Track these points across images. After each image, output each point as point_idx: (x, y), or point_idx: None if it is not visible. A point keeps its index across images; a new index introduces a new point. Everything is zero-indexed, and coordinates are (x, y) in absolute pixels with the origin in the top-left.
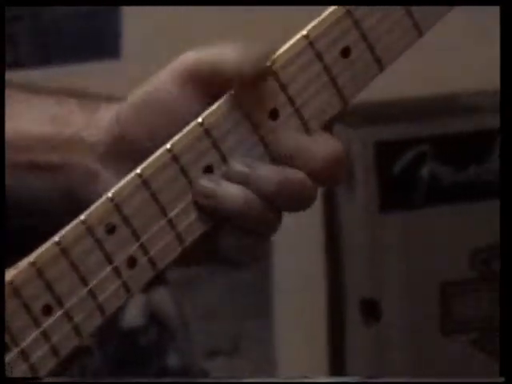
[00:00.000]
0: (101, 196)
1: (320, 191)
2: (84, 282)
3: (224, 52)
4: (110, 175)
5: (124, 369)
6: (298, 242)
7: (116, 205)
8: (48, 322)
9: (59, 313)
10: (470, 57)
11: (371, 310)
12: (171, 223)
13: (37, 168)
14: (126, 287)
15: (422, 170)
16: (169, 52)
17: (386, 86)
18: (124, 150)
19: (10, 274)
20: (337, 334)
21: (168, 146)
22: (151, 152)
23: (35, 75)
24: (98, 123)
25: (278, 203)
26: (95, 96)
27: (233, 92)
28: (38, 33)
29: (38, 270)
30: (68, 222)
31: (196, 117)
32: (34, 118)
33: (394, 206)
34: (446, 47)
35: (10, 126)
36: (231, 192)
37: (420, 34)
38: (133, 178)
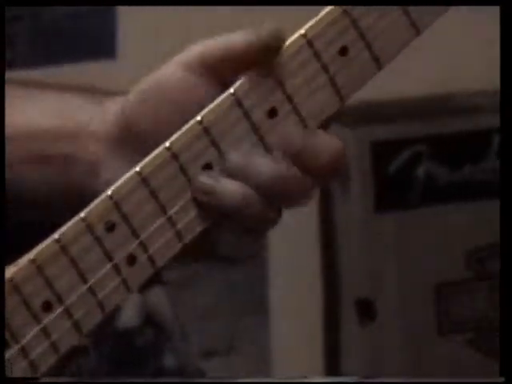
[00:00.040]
0: (105, 188)
1: (316, 191)
2: (84, 279)
3: (232, 35)
4: (115, 166)
5: (120, 369)
6: (293, 241)
7: (115, 202)
8: (48, 318)
9: (59, 309)
10: (467, 57)
11: (366, 309)
12: (171, 221)
13: (42, 160)
14: (125, 284)
15: (418, 170)
16: (164, 51)
17: (382, 86)
18: (130, 141)
19: (10, 271)
20: (332, 333)
21: (167, 144)
22: (156, 142)
23: (31, 75)
24: (103, 115)
25: (274, 197)
26: (100, 91)
27: (232, 91)
28: (35, 33)
29: (38, 267)
30: (68, 219)
31: (202, 106)
32: (40, 111)
33: (390, 205)
34: (442, 47)
35: (16, 120)
36: (230, 188)
37: (417, 32)
38: (132, 176)
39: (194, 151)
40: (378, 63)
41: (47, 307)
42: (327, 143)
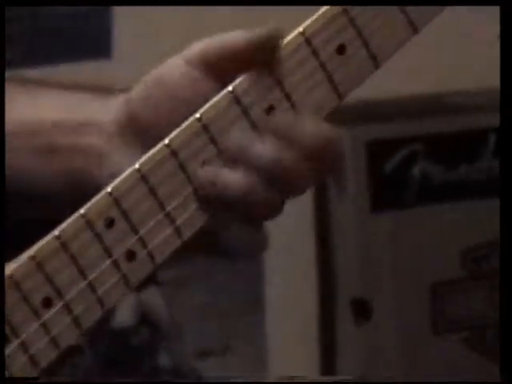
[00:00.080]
0: (109, 180)
1: (311, 190)
2: (83, 275)
3: (232, 34)
4: (119, 159)
5: (115, 368)
6: (289, 241)
7: (115, 199)
8: (48, 314)
9: (59, 305)
10: (463, 56)
11: (362, 309)
12: (170, 217)
13: (48, 151)
14: (125, 280)
15: (414, 169)
16: (160, 51)
17: (377, 86)
18: (134, 134)
19: (10, 267)
20: (328, 333)
21: (166, 141)
22: (160, 135)
23: (27, 75)
24: (108, 109)
25: (275, 181)
26: (104, 89)
27: (230, 88)
28: (31, 33)
29: (38, 263)
30: (69, 216)
31: (203, 101)
32: (47, 105)
33: (386, 205)
34: (439, 47)
35: (23, 114)
36: (231, 177)
37: (415, 31)
38: (131, 173)
39: (193, 148)
40: (376, 61)
41: (47, 303)
42: (313, 125)
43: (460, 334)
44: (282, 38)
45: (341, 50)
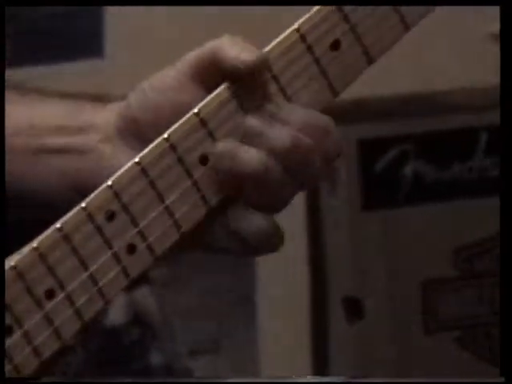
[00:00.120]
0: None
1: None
2: (85, 267)
3: (223, 45)
4: (119, 159)
5: (107, 367)
6: None
7: (115, 192)
8: (51, 305)
9: (61, 296)
10: (454, 55)
11: (354, 308)
12: (169, 210)
13: (49, 152)
14: (125, 273)
15: (405, 169)
16: (152, 52)
17: (369, 84)
18: (133, 135)
19: (13, 258)
20: (320, 332)
21: (165, 135)
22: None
23: (19, 75)
24: (108, 113)
25: (290, 165)
26: (105, 96)
27: (228, 83)
28: (22, 33)
29: (41, 254)
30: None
31: (193, 105)
32: (48, 111)
33: (377, 204)
34: (429, 45)
35: (24, 118)
36: (250, 153)
37: (407, 28)
38: (131, 166)
39: (191, 142)
40: (369, 57)
41: (50, 295)
42: (303, 110)
43: (451, 334)
44: (268, 62)
45: (335, 46)
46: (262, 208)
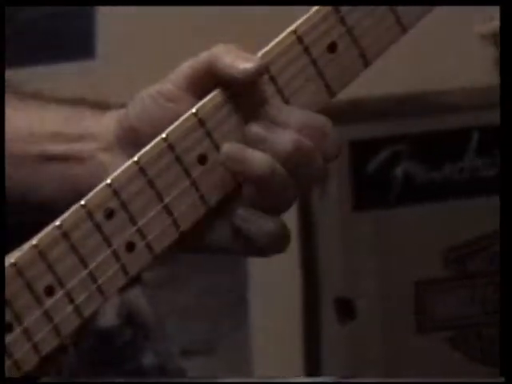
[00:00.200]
0: None
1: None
2: (84, 264)
3: (218, 55)
4: (118, 165)
5: (100, 368)
6: None
7: (114, 190)
8: (50, 302)
9: (61, 293)
10: (446, 56)
11: (346, 308)
12: (167, 209)
13: (48, 159)
14: (124, 270)
15: (397, 169)
16: (144, 52)
17: (360, 85)
18: (131, 142)
19: (13, 255)
20: (312, 333)
21: (164, 134)
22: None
23: (9, 76)
24: (107, 120)
25: (294, 168)
26: (106, 104)
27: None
28: (13, 33)
29: (40, 252)
30: None
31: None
32: (48, 117)
33: (369, 204)
34: (421, 46)
35: (23, 124)
36: (258, 156)
37: (404, 30)
38: (130, 165)
39: (189, 142)
40: (366, 59)
41: (49, 292)
42: (301, 111)
43: (443, 334)
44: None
45: (332, 47)
46: (267, 210)
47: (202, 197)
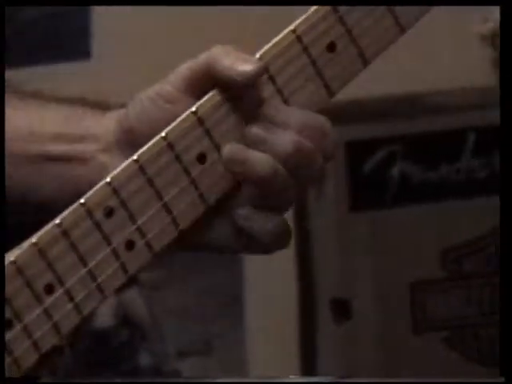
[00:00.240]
0: None
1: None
2: (84, 262)
3: (217, 56)
4: (117, 166)
5: (96, 368)
6: None
7: (114, 189)
8: (50, 300)
9: (60, 291)
10: (442, 56)
11: (342, 309)
12: (167, 208)
13: (49, 159)
14: (124, 269)
15: (393, 170)
16: (138, 52)
17: (356, 86)
18: (131, 143)
19: (13, 253)
20: (308, 333)
21: (163, 133)
22: None
23: (9, 76)
24: (107, 121)
25: (294, 169)
26: (106, 104)
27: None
28: (13, 33)
29: (40, 250)
30: None
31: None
32: (48, 117)
33: (365, 205)
34: (417, 47)
35: (24, 123)
36: (260, 157)
37: (402, 30)
38: (130, 164)
39: (188, 141)
40: (364, 59)
41: (49, 290)
42: (301, 111)
43: (440, 334)
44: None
45: (331, 47)
46: (268, 209)
47: (201, 195)
